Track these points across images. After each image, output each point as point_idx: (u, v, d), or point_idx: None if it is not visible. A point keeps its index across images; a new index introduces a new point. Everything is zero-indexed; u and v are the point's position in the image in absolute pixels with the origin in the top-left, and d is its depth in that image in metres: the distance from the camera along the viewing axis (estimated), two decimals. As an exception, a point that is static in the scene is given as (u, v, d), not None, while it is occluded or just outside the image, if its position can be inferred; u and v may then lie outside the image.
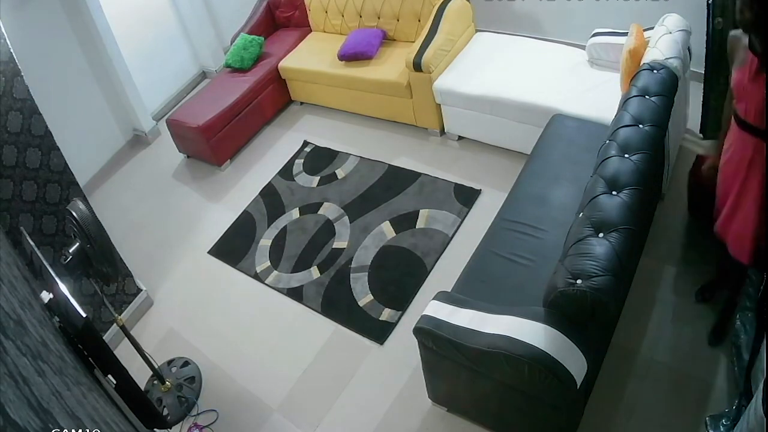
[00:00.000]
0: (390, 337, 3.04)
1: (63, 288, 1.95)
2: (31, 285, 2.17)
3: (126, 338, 2.86)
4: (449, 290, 2.52)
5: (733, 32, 2.13)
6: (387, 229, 3.60)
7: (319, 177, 4.17)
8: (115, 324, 3.13)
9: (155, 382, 3.09)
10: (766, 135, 2.04)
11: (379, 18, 4.51)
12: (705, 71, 3.21)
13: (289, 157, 4.44)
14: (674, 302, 2.78)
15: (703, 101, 3.33)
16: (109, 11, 4.50)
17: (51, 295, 2.02)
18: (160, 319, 3.58)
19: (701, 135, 3.47)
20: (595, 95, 3.34)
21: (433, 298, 2.39)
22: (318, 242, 3.67)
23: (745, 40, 2.05)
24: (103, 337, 2.52)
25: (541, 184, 2.93)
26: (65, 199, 3.01)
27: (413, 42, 4.24)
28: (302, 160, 4.37)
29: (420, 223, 3.57)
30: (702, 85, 3.30)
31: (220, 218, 4.11)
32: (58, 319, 1.92)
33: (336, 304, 3.28)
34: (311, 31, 5.04)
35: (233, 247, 3.86)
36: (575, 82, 3.48)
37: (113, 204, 4.50)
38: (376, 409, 2.75)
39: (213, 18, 5.56)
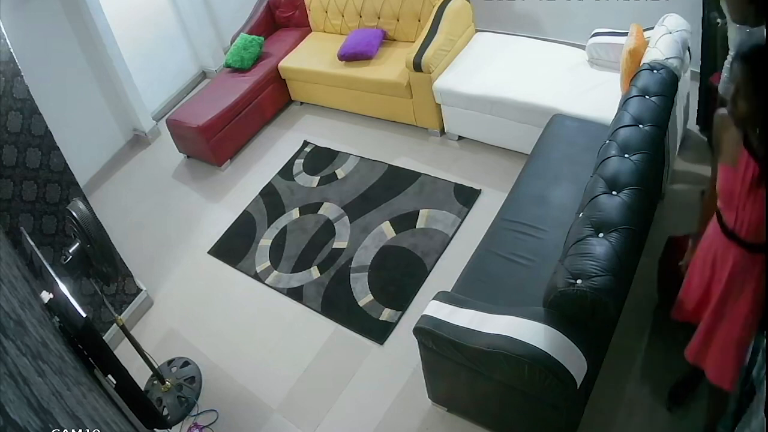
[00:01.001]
0: (390, 337, 3.04)
1: (63, 288, 1.95)
2: (31, 285, 2.17)
3: (126, 338, 2.86)
4: (449, 290, 2.52)
5: (721, 111, 1.74)
6: (387, 229, 3.60)
7: (319, 177, 4.17)
8: (115, 324, 3.14)
9: (155, 382, 3.09)
10: (765, 250, 1.71)
11: (379, 18, 4.51)
12: (701, 66, 3.22)
13: (289, 157, 4.44)
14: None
15: (699, 96, 3.34)
16: (109, 11, 4.50)
17: (51, 295, 2.02)
18: (160, 319, 3.58)
19: (698, 125, 3.47)
20: (595, 95, 3.34)
21: (433, 298, 2.39)
22: (318, 242, 3.67)
23: (739, 131, 1.67)
24: (103, 337, 2.51)
25: (541, 184, 2.93)
26: (65, 199, 3.01)
27: (413, 42, 4.25)
28: (302, 160, 4.37)
29: (420, 223, 3.57)
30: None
31: (220, 218, 4.12)
32: (58, 319, 1.92)
33: (336, 304, 3.28)
34: (311, 31, 5.04)
35: (233, 247, 3.86)
36: (575, 82, 3.48)
37: (113, 204, 4.51)
38: (376, 409, 2.75)
39: (213, 18, 5.56)
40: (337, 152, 4.33)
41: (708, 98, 3.21)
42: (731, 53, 2.60)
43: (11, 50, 2.68)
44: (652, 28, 3.10)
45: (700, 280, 1.98)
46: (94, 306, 3.25)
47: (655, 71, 2.73)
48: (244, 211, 4.10)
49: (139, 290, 3.60)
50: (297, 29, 5.08)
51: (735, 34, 2.53)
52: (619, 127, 2.51)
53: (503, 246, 2.68)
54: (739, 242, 1.75)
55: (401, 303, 3.17)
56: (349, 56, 4.33)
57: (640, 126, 2.48)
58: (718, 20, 2.96)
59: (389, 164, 4.06)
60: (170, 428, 2.91)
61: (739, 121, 1.60)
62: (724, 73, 2.65)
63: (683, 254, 2.35)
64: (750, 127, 1.59)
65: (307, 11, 4.96)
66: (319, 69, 4.51)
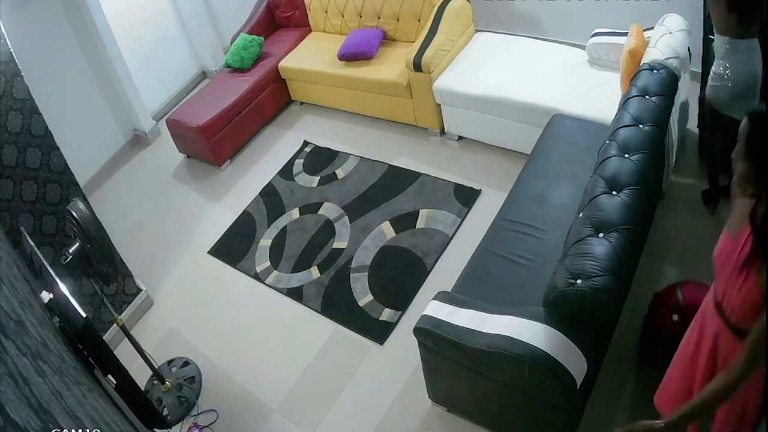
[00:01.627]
0: (390, 337, 3.04)
1: (63, 288, 1.95)
2: (31, 285, 2.17)
3: (126, 338, 2.86)
4: (449, 290, 2.52)
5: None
6: (387, 229, 3.60)
7: (319, 177, 4.17)
8: (115, 324, 3.14)
9: (155, 382, 3.09)
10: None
11: (379, 18, 4.51)
12: (702, 66, 3.22)
13: (289, 157, 4.44)
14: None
15: (700, 96, 3.35)
16: (109, 11, 4.50)
17: (51, 295, 2.02)
18: (160, 319, 3.58)
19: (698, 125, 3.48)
20: (595, 95, 3.34)
21: (433, 298, 2.39)
22: (318, 242, 3.67)
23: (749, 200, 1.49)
24: (103, 337, 2.51)
25: (541, 184, 2.93)
26: (65, 199, 3.01)
27: (413, 42, 4.24)
28: (302, 160, 4.37)
29: (420, 223, 3.57)
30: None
31: (220, 218, 4.12)
32: (58, 319, 1.92)
33: (336, 304, 3.28)
34: (311, 31, 5.04)
35: (233, 247, 3.86)
36: (575, 82, 3.48)
37: (113, 204, 4.50)
38: (376, 409, 2.75)
39: (213, 18, 5.56)
40: (337, 152, 4.33)
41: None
42: (716, 62, 2.61)
43: (11, 50, 2.68)
44: (652, 28, 3.10)
45: (687, 345, 1.82)
46: (94, 306, 3.25)
47: (655, 71, 2.73)
48: (244, 211, 4.10)
49: (139, 290, 3.60)
50: (297, 29, 5.08)
51: (719, 44, 2.54)
52: (619, 127, 2.51)
53: (503, 246, 2.68)
54: (725, 319, 1.60)
55: (401, 303, 3.17)
56: (349, 56, 4.33)
57: (640, 126, 2.48)
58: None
59: (389, 164, 4.06)
60: (170, 428, 2.91)
61: (742, 184, 1.49)
62: (710, 82, 2.66)
63: (670, 310, 2.26)
64: (749, 193, 1.48)
65: (307, 11, 4.96)
66: (319, 69, 4.51)
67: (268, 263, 3.66)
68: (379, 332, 3.07)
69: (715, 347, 1.67)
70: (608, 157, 2.39)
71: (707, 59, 3.14)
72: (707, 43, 3.11)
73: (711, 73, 2.66)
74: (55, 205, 2.99)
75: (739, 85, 2.53)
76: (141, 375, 3.05)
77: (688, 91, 3.30)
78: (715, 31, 2.56)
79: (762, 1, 2.37)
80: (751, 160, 1.44)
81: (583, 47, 3.67)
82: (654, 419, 1.63)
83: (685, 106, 3.31)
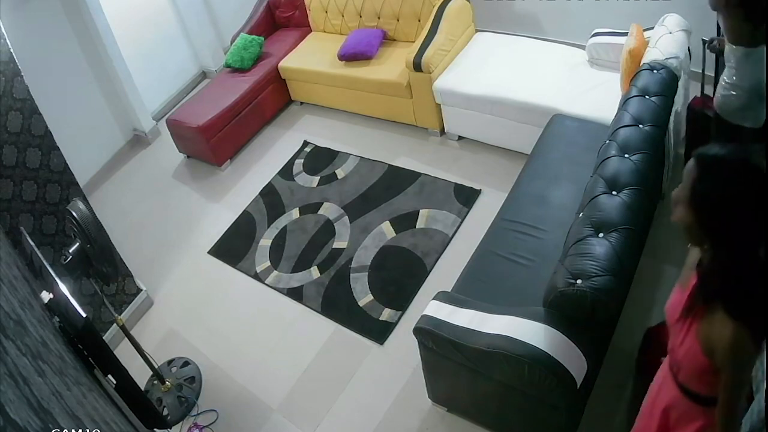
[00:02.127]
0: (390, 337, 3.04)
1: (63, 288, 1.95)
2: (31, 285, 2.17)
3: (126, 338, 2.86)
4: (449, 290, 2.52)
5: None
6: (387, 229, 3.60)
7: (319, 177, 4.17)
8: (115, 324, 3.14)
9: (155, 382, 3.09)
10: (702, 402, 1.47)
11: (379, 18, 4.51)
12: (716, 68, 3.21)
13: (289, 157, 4.44)
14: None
15: (689, 105, 3.34)
16: (109, 11, 4.50)
17: (51, 295, 2.02)
18: (160, 319, 3.58)
19: None
20: (595, 95, 3.34)
21: (433, 298, 2.39)
22: (318, 242, 3.67)
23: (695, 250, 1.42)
24: (103, 337, 2.51)
25: (541, 184, 2.93)
26: (65, 199, 3.01)
27: (413, 42, 4.24)
28: (302, 160, 4.37)
29: (420, 223, 3.57)
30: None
31: (220, 218, 4.12)
32: (58, 319, 1.92)
33: (336, 304, 3.28)
34: (311, 31, 5.04)
35: (233, 247, 3.86)
36: (575, 82, 3.48)
37: (113, 204, 4.50)
38: (376, 409, 2.75)
39: (213, 18, 5.56)
40: (337, 152, 4.33)
41: (692, 118, 3.17)
42: (727, 71, 2.57)
43: (11, 50, 2.69)
44: (652, 28, 3.10)
45: (648, 394, 1.77)
46: (94, 306, 3.25)
47: (655, 71, 2.73)
48: (244, 211, 4.10)
49: (139, 290, 3.60)
50: (297, 29, 5.08)
51: (731, 53, 2.50)
52: (619, 127, 2.51)
53: (503, 246, 2.68)
54: (674, 376, 1.54)
55: (401, 303, 3.17)
56: (349, 56, 4.33)
57: (640, 126, 2.48)
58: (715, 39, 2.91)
59: (389, 164, 4.06)
60: (170, 428, 2.91)
61: (689, 234, 1.36)
62: (721, 90, 2.57)
63: (660, 350, 2.23)
64: (695, 242, 1.39)
65: (307, 11, 4.96)
66: (319, 69, 4.51)
67: (268, 263, 3.66)
68: (379, 332, 3.07)
69: (669, 407, 1.59)
70: (608, 157, 2.39)
71: (718, 65, 3.12)
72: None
73: (722, 82, 2.58)
74: (55, 205, 3.00)
75: (749, 93, 2.50)
76: (141, 375, 3.05)
77: (687, 92, 3.30)
78: (726, 41, 2.52)
79: None
80: (695, 211, 1.30)
81: (583, 47, 3.67)
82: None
83: (685, 106, 3.30)
